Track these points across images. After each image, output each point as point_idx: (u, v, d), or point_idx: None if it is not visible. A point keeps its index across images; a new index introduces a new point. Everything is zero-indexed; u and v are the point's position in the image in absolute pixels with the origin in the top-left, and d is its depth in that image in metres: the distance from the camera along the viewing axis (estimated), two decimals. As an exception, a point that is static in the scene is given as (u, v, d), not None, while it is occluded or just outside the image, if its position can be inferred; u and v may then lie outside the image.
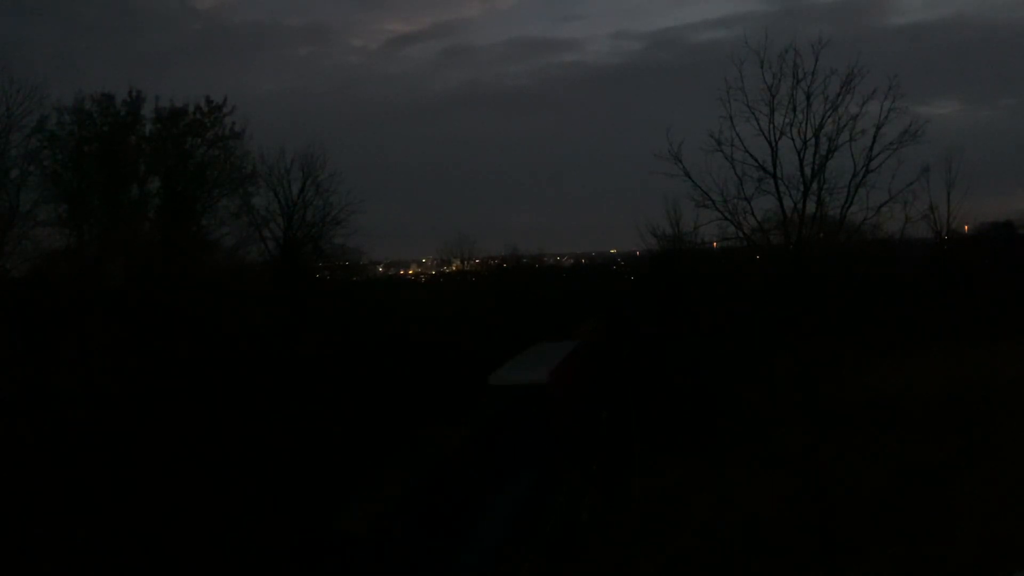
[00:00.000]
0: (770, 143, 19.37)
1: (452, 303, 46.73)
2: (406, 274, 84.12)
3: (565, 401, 25.55)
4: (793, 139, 19.32)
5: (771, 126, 19.32)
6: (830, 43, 18.90)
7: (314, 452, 21.49)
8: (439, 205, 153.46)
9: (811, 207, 19.54)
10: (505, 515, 18.26)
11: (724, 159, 19.31)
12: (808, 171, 19.23)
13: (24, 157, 28.54)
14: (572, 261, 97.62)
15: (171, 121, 34.46)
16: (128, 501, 18.02)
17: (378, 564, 13.39)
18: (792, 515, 18.38)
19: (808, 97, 19.09)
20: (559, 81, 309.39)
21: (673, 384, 31.22)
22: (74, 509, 17.47)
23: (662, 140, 19.57)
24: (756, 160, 19.35)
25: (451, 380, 27.95)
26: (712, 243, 25.70)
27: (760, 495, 20.29)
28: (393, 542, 13.90)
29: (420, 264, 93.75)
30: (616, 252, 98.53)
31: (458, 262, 63.34)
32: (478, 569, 16.19)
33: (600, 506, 21.15)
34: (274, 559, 15.51)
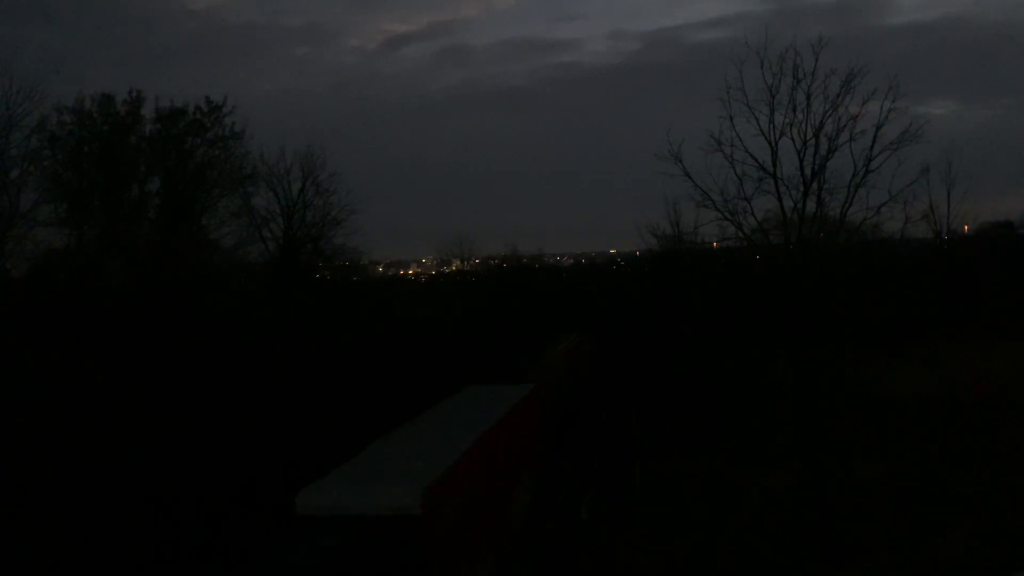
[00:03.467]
0: (770, 143, 19.24)
1: (450, 304, 46.64)
2: (406, 274, 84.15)
3: (468, 547, 13.97)
4: (793, 139, 19.19)
5: (771, 126, 19.18)
6: (830, 43, 18.82)
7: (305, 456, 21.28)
8: (439, 205, 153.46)
9: (811, 207, 19.44)
10: None
11: (724, 159, 19.17)
12: (808, 171, 19.11)
13: (24, 157, 28.48)
14: (572, 261, 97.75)
15: (171, 121, 34.44)
16: (127, 501, 18.05)
17: None
18: (792, 515, 18.41)
19: (808, 97, 18.94)
20: (557, 81, 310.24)
21: (674, 384, 31.27)
22: (74, 508, 17.49)
23: (661, 140, 19.42)
24: (756, 160, 19.23)
25: (443, 381, 27.62)
26: (712, 243, 25.67)
27: (761, 494, 20.33)
28: None
29: (420, 264, 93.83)
30: (616, 252, 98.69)
31: (458, 262, 63.42)
32: None
33: (601, 505, 21.16)
34: None
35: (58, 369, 21.44)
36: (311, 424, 23.48)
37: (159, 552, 16.37)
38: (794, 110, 18.97)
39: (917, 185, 19.75)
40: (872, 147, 18.56)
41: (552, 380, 26.27)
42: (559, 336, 35.01)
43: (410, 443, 15.27)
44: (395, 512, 11.55)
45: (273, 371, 26.54)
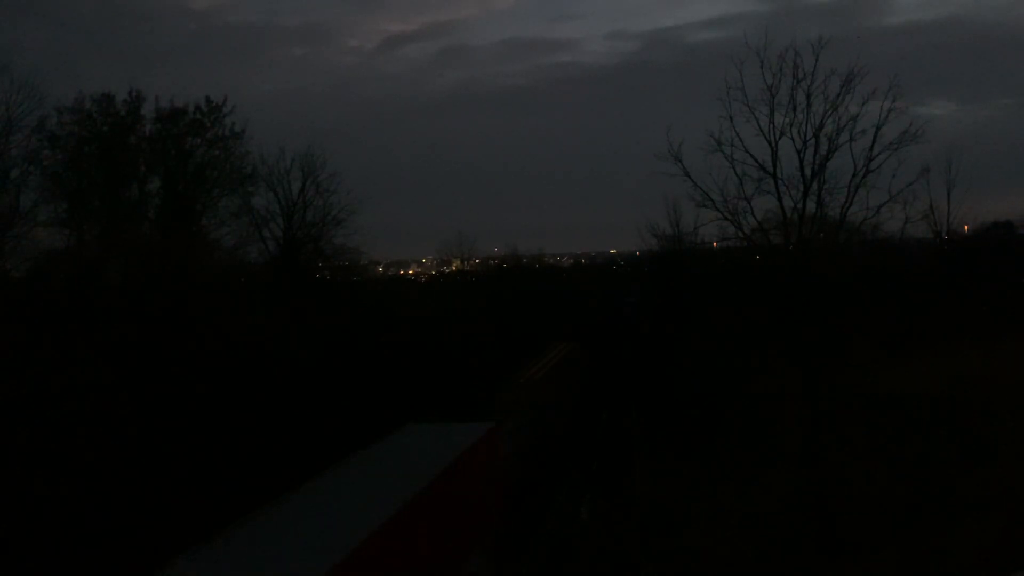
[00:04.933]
0: (770, 143, 19.24)
1: (448, 304, 46.53)
2: (406, 274, 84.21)
3: None
4: (793, 139, 19.20)
5: (771, 126, 19.18)
6: (830, 43, 18.84)
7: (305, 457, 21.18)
8: (439, 205, 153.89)
9: (811, 207, 19.46)
10: None
11: (724, 159, 19.19)
12: (808, 171, 19.12)
13: (24, 157, 28.51)
14: (572, 261, 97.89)
15: (171, 121, 34.51)
16: (127, 499, 18.05)
17: None
18: (792, 515, 18.41)
19: (808, 97, 18.95)
20: (556, 81, 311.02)
21: (674, 384, 31.27)
22: (75, 507, 17.48)
23: (661, 140, 19.44)
24: (756, 160, 19.25)
25: (441, 382, 27.50)
26: (712, 243, 25.71)
27: (761, 495, 20.32)
28: None
29: (420, 264, 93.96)
30: (616, 252, 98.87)
31: (458, 262, 63.50)
32: None
33: (600, 505, 21.16)
34: None
35: (58, 369, 21.42)
36: (305, 427, 23.47)
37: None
38: (794, 110, 19.00)
39: (917, 185, 19.79)
40: (872, 147, 18.58)
41: (528, 404, 23.92)
42: (555, 340, 34.72)
43: (286, 526, 10.41)
44: None
45: (269, 373, 26.53)
